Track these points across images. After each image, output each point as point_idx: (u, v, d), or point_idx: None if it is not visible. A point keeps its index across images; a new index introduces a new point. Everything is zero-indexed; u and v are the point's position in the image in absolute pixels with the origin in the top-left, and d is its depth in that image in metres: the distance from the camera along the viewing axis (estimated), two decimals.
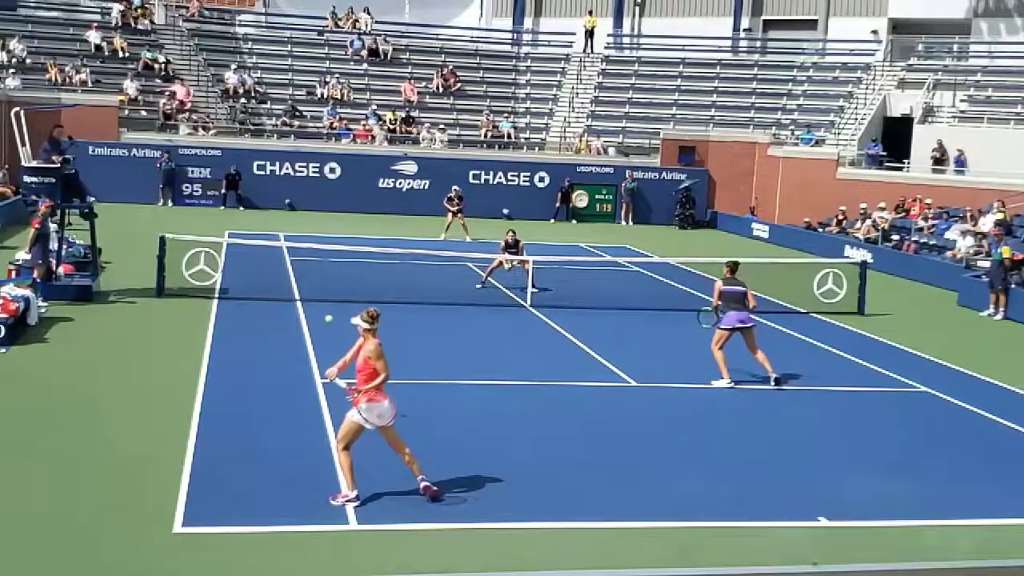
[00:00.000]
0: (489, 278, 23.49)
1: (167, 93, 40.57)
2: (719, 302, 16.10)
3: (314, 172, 38.35)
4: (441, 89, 44.74)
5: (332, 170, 38.51)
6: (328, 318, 12.08)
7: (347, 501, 10.47)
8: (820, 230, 35.51)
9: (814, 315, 22.45)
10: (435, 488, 10.75)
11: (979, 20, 44.69)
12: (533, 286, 22.54)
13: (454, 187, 33.08)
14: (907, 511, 11.31)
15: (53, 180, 20.24)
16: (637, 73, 46.55)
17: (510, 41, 49.92)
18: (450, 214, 31.80)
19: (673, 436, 13.75)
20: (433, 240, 30.60)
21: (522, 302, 21.99)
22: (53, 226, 20.67)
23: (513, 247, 23.42)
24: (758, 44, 49.09)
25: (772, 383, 15.91)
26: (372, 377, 10.50)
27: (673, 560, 9.81)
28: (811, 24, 48.00)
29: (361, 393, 10.52)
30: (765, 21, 49.72)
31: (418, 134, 41.98)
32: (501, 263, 23.35)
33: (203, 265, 21.89)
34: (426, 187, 38.08)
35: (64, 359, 15.88)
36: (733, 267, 16.45)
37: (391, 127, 41.91)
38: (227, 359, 16.14)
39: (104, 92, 39.17)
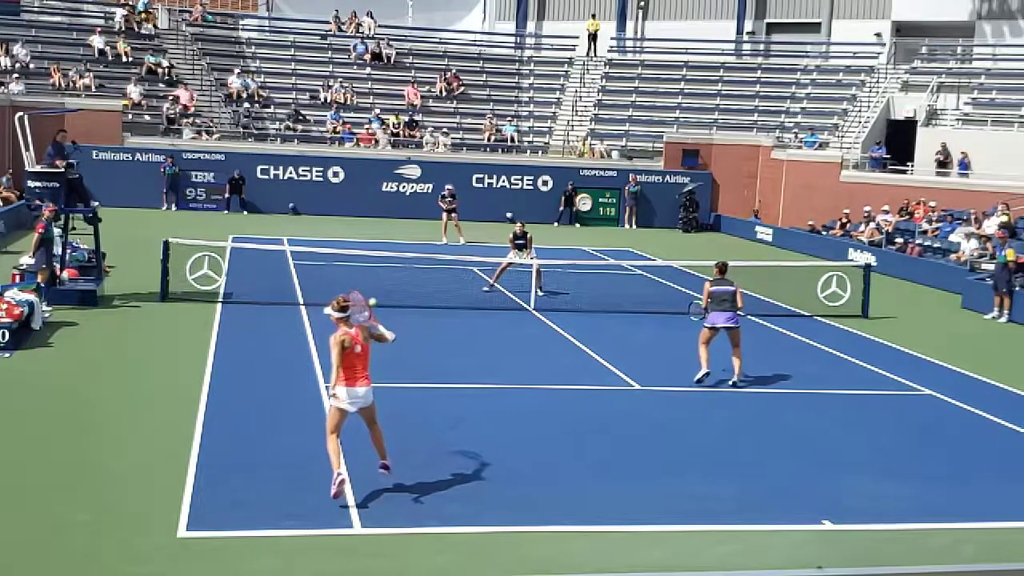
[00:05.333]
0: (495, 283, 23.46)
1: (170, 97, 40.62)
2: (708, 301, 16.19)
3: (318, 176, 38.43)
4: (444, 93, 44.78)
5: (335, 174, 38.59)
6: (372, 301, 12.16)
7: (338, 483, 10.54)
8: (824, 233, 35.48)
9: (818, 318, 22.44)
10: (388, 471, 11.08)
11: (982, 22, 44.68)
12: (540, 289, 22.59)
13: (447, 186, 33.18)
14: (911, 514, 11.28)
15: (57, 185, 20.25)
16: (640, 76, 46.57)
17: (513, 45, 49.94)
18: (445, 214, 31.91)
19: (676, 439, 13.74)
20: (436, 244, 30.60)
21: (526, 305, 21.99)
22: (57, 231, 20.69)
23: (521, 238, 23.38)
24: (761, 47, 49.12)
25: (730, 383, 16.03)
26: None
27: (676, 563, 9.79)
28: (814, 27, 48.01)
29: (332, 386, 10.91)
30: (768, 24, 49.75)
31: (421, 138, 42.01)
32: (509, 265, 23.32)
33: (207, 269, 21.94)
34: (429, 191, 38.09)
35: (68, 363, 15.89)
36: (723, 267, 16.57)
37: (394, 131, 41.94)
38: (231, 363, 16.15)
39: (107, 97, 39.24)
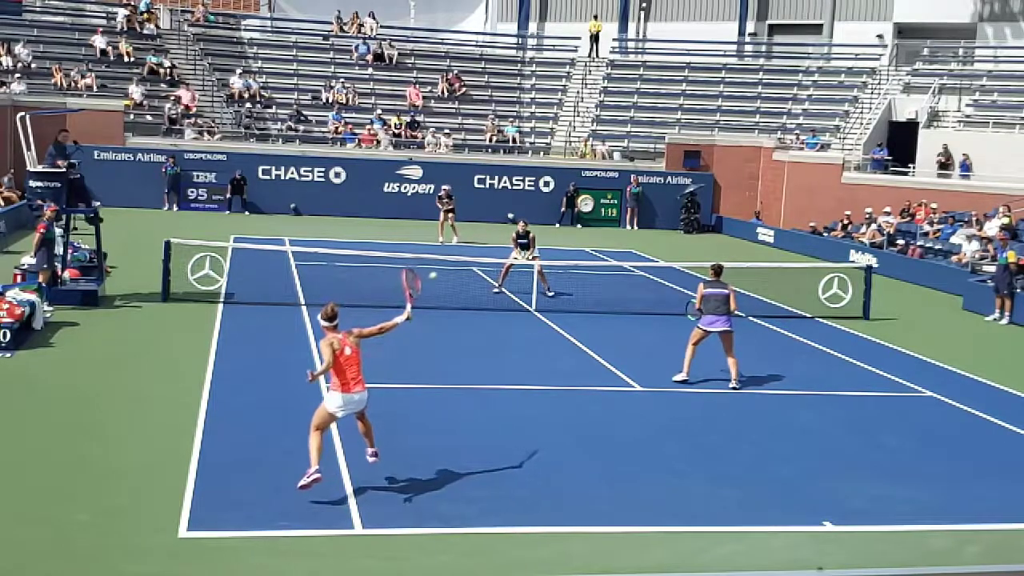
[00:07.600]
0: (502, 286, 23.41)
1: (172, 98, 40.63)
2: (702, 303, 16.20)
3: (319, 177, 38.45)
4: (446, 94, 44.78)
5: (337, 175, 38.60)
6: (432, 275, 12.32)
7: (312, 477, 10.62)
8: (825, 234, 35.49)
9: (819, 319, 22.43)
10: (377, 457, 11.26)
11: (984, 24, 44.68)
12: (548, 291, 22.60)
13: (444, 186, 33.20)
14: (912, 516, 11.28)
15: (58, 185, 20.25)
16: (642, 77, 46.56)
17: (515, 46, 49.93)
18: (442, 214, 31.95)
19: (677, 440, 13.74)
20: (436, 244, 30.58)
21: (527, 306, 21.99)
22: (58, 231, 20.69)
23: (524, 238, 23.35)
24: (763, 48, 49.12)
25: (730, 387, 16.06)
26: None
27: (677, 564, 9.80)
28: (816, 28, 48.00)
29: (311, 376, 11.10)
30: (770, 25, 49.75)
31: (423, 139, 42.01)
32: (512, 266, 23.30)
33: (208, 270, 21.94)
34: (431, 192, 38.05)
35: (69, 363, 15.89)
36: (717, 270, 16.59)
37: (396, 132, 41.94)
38: (232, 364, 16.16)
39: (109, 97, 39.23)
